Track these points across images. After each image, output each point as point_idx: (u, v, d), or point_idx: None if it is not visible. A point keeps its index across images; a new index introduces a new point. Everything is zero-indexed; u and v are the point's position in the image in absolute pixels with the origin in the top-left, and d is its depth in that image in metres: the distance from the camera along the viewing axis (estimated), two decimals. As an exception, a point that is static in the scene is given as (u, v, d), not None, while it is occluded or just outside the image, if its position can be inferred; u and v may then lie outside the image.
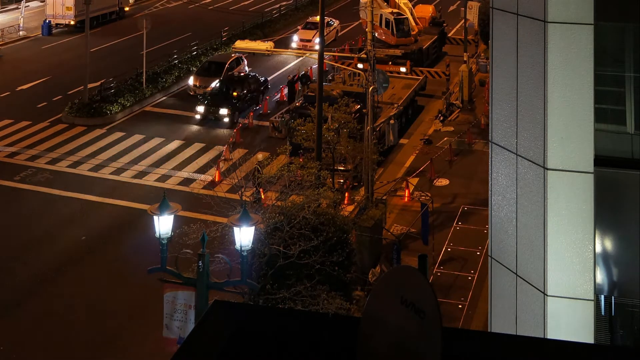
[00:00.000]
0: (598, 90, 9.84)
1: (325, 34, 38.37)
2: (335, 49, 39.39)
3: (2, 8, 54.00)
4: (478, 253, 21.67)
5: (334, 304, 14.62)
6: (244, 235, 12.48)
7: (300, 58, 39.65)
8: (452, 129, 31.54)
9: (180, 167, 28.08)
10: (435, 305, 3.89)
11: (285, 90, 35.41)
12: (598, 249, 9.97)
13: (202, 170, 27.03)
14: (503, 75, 10.73)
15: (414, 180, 26.31)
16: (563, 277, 9.95)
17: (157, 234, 12.65)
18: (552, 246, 9.96)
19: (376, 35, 26.33)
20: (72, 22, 47.30)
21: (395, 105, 30.79)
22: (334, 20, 46.76)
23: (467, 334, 5.35)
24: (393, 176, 27.16)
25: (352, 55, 37.90)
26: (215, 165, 26.38)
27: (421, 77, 35.38)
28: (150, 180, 27.09)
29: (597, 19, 9.75)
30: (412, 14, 40.95)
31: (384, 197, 24.00)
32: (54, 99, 35.25)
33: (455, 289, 20.31)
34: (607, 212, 9.97)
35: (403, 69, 36.34)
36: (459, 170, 27.62)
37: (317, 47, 37.80)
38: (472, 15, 37.65)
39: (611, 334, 10.34)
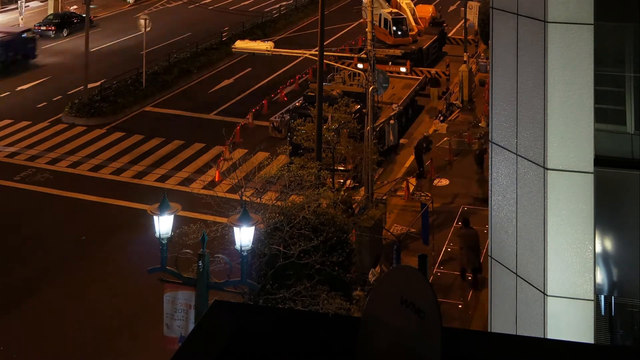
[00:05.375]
0: (598, 90, 9.84)
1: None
2: (335, 48, 39.36)
3: (2, 8, 54.00)
4: (478, 253, 21.65)
5: (334, 304, 14.62)
6: (244, 235, 12.47)
7: (300, 58, 39.61)
8: (444, 130, 31.44)
9: (180, 167, 28.08)
10: (435, 305, 3.89)
11: (285, 91, 35.41)
12: (598, 249, 9.97)
13: (202, 170, 27.02)
14: (503, 75, 10.73)
15: (414, 180, 26.31)
16: (563, 277, 9.95)
17: (157, 234, 12.64)
18: (552, 246, 9.96)
19: (375, 35, 26.27)
20: None
21: (396, 105, 30.78)
22: None
23: (467, 334, 5.35)
24: (393, 176, 27.17)
25: (352, 55, 37.86)
26: (215, 165, 26.37)
27: (421, 77, 35.37)
28: (150, 180, 27.09)
29: (597, 19, 9.75)
30: (413, 14, 40.87)
31: (384, 197, 24.00)
32: (54, 99, 35.26)
33: (455, 289, 20.30)
34: (607, 212, 9.97)
35: (403, 69, 36.32)
36: (459, 170, 27.62)
37: None
38: (473, 15, 37.65)
39: (611, 334, 10.34)
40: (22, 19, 47.87)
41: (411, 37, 39.46)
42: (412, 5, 42.04)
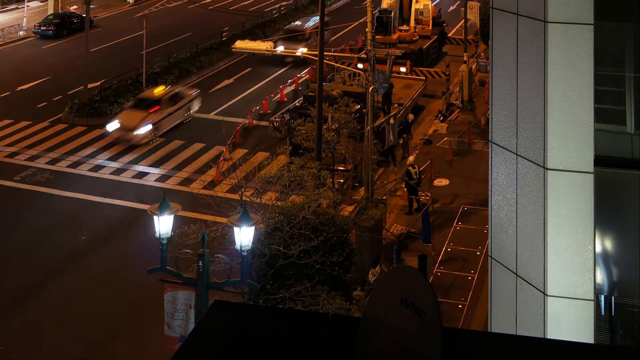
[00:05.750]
0: (598, 90, 9.84)
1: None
2: (335, 48, 39.34)
3: (2, 8, 54.01)
4: (478, 253, 21.67)
5: (334, 304, 14.63)
6: (244, 235, 12.48)
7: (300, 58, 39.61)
8: (444, 130, 31.46)
9: (180, 167, 28.08)
10: (435, 305, 3.89)
11: (285, 91, 35.38)
12: (598, 249, 9.97)
13: (202, 170, 27.03)
14: (503, 75, 10.73)
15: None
16: (563, 277, 9.95)
17: (157, 234, 12.65)
18: (552, 246, 9.96)
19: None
20: None
21: (396, 106, 30.78)
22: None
23: (467, 334, 5.35)
24: (393, 176, 27.16)
25: (352, 55, 37.81)
26: (215, 165, 26.38)
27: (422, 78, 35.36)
28: (150, 180, 27.10)
29: (597, 19, 9.75)
30: (417, 13, 40.35)
31: (384, 197, 24.00)
32: (54, 99, 35.27)
33: (455, 289, 20.30)
34: (607, 212, 9.97)
35: (403, 69, 36.30)
36: (459, 170, 27.62)
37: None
38: (474, 15, 37.62)
39: (611, 334, 10.34)
40: (24, 19, 47.84)
41: (398, 36, 38.71)
42: (421, 5, 41.10)
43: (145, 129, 30.10)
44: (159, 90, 32.74)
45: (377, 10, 37.88)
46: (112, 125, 30.22)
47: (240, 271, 12.65)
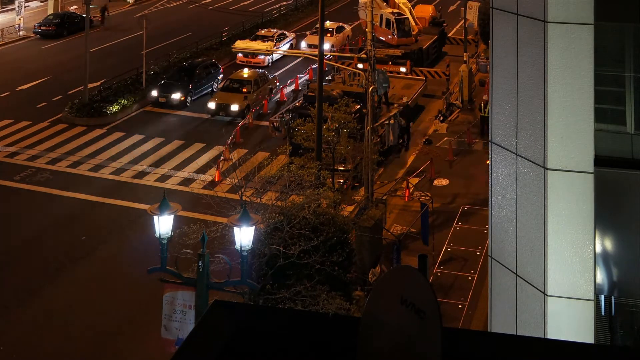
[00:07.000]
0: (598, 90, 9.84)
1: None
2: (335, 48, 39.34)
3: (2, 8, 53.97)
4: (478, 253, 21.66)
5: (334, 304, 14.63)
6: (244, 235, 12.47)
7: (300, 58, 39.63)
8: (444, 130, 31.46)
9: (180, 167, 28.07)
10: (435, 305, 3.89)
11: (285, 91, 35.33)
12: (598, 249, 9.97)
13: (202, 170, 27.03)
14: (503, 75, 10.73)
15: (414, 180, 26.31)
16: (563, 277, 9.95)
17: (157, 234, 12.65)
18: (552, 246, 9.96)
19: (376, 35, 26.26)
20: None
21: (396, 106, 30.77)
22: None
23: (467, 334, 5.35)
24: (393, 176, 27.17)
25: (352, 55, 37.87)
26: (215, 165, 26.38)
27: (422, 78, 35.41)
28: (150, 180, 27.09)
29: (597, 19, 9.75)
30: (411, 14, 40.93)
31: (384, 197, 24.00)
32: (54, 99, 35.26)
33: (455, 289, 20.30)
34: (607, 212, 9.97)
35: (403, 69, 36.32)
36: (459, 170, 27.63)
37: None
38: (472, 15, 37.64)
39: (611, 334, 10.34)
40: (20, 19, 47.79)
41: (413, 37, 39.46)
42: (410, 5, 41.96)
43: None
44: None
45: (392, 14, 38.51)
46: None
47: (240, 271, 12.64)
